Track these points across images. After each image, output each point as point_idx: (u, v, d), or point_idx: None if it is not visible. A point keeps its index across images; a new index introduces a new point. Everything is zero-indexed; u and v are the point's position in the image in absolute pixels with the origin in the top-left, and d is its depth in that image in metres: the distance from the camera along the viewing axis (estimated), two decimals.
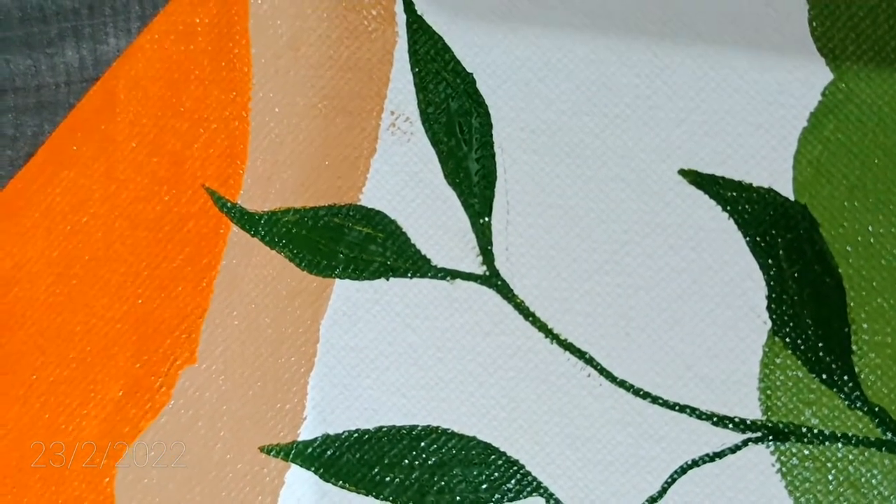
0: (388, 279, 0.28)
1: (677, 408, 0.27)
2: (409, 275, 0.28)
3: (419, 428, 0.27)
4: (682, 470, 0.26)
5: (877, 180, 0.26)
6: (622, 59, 0.27)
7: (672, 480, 0.26)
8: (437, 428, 0.27)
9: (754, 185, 0.26)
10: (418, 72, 0.28)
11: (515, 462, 0.27)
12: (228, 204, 0.29)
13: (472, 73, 0.28)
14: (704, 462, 0.26)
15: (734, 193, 0.26)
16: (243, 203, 0.29)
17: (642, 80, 0.27)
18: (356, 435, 0.27)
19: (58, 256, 0.29)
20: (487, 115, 0.28)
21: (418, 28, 0.28)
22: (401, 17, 0.28)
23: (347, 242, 0.28)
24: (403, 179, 0.28)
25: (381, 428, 0.27)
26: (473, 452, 0.27)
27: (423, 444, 0.27)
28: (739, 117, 0.26)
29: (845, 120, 0.26)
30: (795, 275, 0.26)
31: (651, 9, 0.27)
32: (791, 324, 0.26)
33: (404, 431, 0.27)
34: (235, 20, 0.29)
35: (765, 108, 0.26)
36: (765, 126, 0.26)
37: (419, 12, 0.28)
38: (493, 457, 0.27)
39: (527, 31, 0.27)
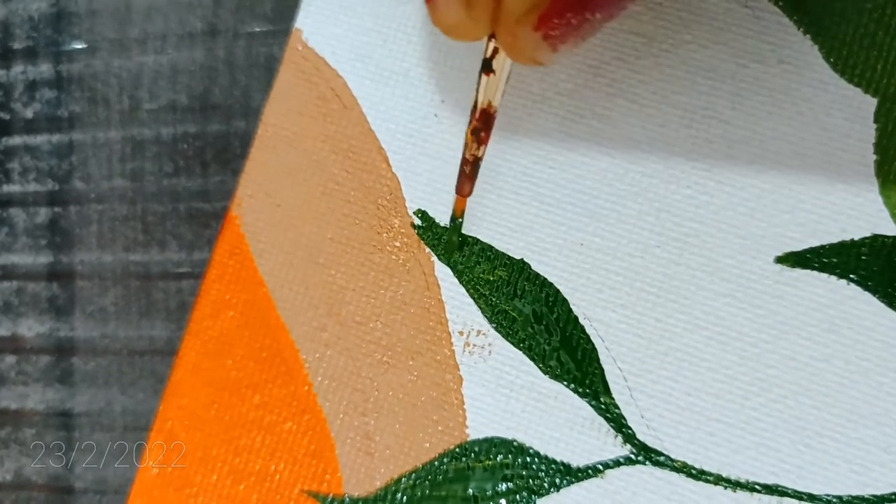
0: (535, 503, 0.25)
1: None
2: (556, 489, 0.25)
3: None
4: None
5: None
6: (674, 179, 0.25)
7: None
8: None
9: (856, 239, 0.24)
10: (468, 280, 0.26)
11: None
12: (338, 499, 0.26)
13: (522, 259, 0.26)
14: None
15: (842, 257, 0.24)
16: (351, 492, 0.26)
17: (695, 189, 0.25)
18: None
19: None
20: (557, 291, 0.25)
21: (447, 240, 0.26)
22: (426, 237, 0.26)
23: (477, 484, 0.25)
24: (503, 394, 0.25)
25: None
26: None
27: None
28: (807, 179, 0.24)
29: None
30: None
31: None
32: None
33: None
34: (263, 313, 0.27)
35: (827, 163, 0.24)
36: (837, 178, 0.24)
37: (442, 224, 0.26)
38: None
39: (566, 190, 0.26)
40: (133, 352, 0.29)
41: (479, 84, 0.22)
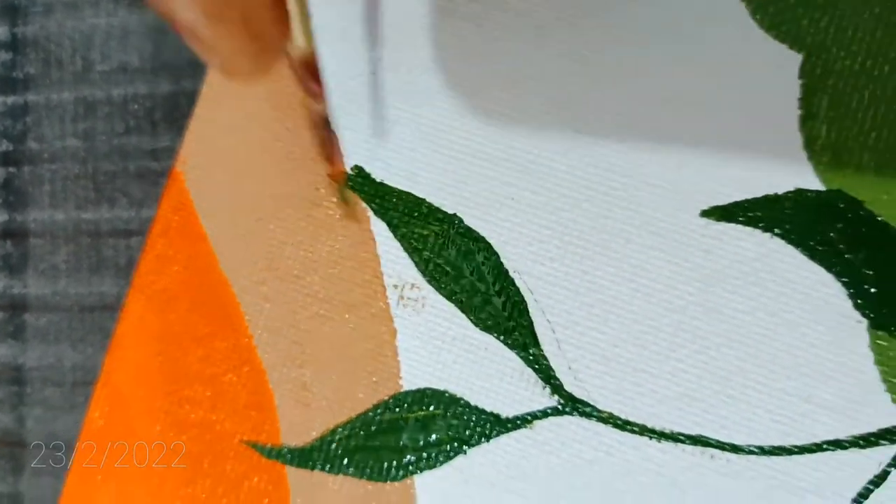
0: (466, 453, 0.25)
1: (817, 448, 0.24)
2: (486, 439, 0.25)
3: None
4: None
5: (891, 131, 0.24)
6: (602, 134, 0.26)
7: None
8: None
9: (780, 193, 0.25)
10: (403, 235, 0.26)
11: None
12: (275, 450, 0.26)
13: (455, 214, 0.26)
14: (871, 491, 0.23)
15: (767, 211, 0.24)
16: (288, 442, 0.26)
17: (624, 145, 0.25)
18: None
19: None
20: (488, 245, 0.26)
21: (384, 193, 0.27)
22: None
23: (409, 434, 0.26)
24: (436, 346, 0.26)
25: None
26: None
27: None
28: (733, 134, 0.25)
29: (833, 92, 0.24)
30: (865, 260, 0.24)
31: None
32: (885, 309, 0.24)
33: None
34: (206, 268, 0.27)
35: (753, 118, 0.25)
36: (763, 132, 0.25)
37: (378, 179, 0.27)
38: None
39: (494, 149, 0.26)
40: (84, 308, 0.29)
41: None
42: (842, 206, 0.24)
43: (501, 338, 0.26)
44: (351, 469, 0.26)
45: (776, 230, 0.24)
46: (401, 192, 0.26)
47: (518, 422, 0.25)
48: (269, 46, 0.18)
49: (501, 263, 0.26)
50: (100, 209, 0.29)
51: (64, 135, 0.30)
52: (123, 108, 0.29)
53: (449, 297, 0.26)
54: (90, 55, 0.29)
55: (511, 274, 0.26)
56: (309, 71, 0.21)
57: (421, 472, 0.26)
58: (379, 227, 0.27)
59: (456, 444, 0.26)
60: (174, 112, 0.29)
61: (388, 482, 0.26)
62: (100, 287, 0.29)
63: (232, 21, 0.17)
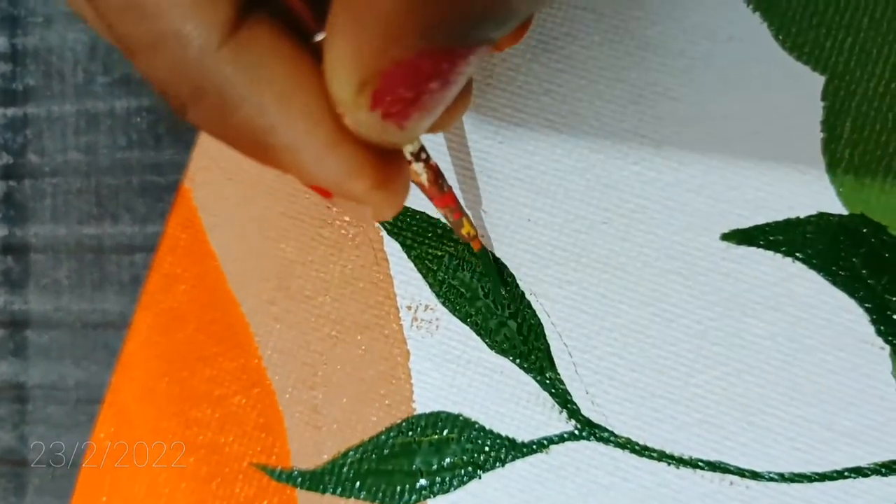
0: (480, 478, 0.25)
1: (838, 476, 0.24)
2: (501, 463, 0.25)
3: None
4: None
5: None
6: (621, 154, 0.25)
7: None
8: None
9: (801, 217, 0.24)
10: (417, 255, 0.26)
11: None
12: (285, 473, 0.26)
13: None
14: None
15: (788, 234, 0.24)
16: (298, 465, 0.26)
17: (642, 166, 0.25)
18: None
19: None
20: (504, 266, 0.25)
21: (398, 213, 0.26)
22: None
23: (423, 458, 0.25)
24: (450, 369, 0.26)
25: None
26: None
27: None
28: (754, 156, 0.24)
29: (856, 115, 0.24)
30: (888, 286, 0.24)
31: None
32: None
33: None
34: (214, 286, 0.27)
35: (775, 140, 0.24)
36: (784, 155, 0.24)
37: None
38: None
39: (507, 168, 0.26)
40: (86, 325, 0.29)
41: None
42: (865, 230, 0.24)
43: (517, 361, 0.25)
44: (363, 493, 0.26)
45: (797, 254, 0.24)
46: (415, 211, 0.26)
47: (534, 446, 0.25)
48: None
49: (517, 285, 0.25)
50: (102, 224, 0.28)
51: (65, 148, 0.29)
52: (126, 121, 0.28)
53: (464, 320, 0.26)
54: (92, 67, 0.29)
55: (527, 296, 0.25)
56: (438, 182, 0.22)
57: (434, 496, 0.25)
58: (392, 248, 0.26)
59: (470, 468, 0.25)
60: (178, 125, 0.28)
61: None
62: (102, 304, 0.28)
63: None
